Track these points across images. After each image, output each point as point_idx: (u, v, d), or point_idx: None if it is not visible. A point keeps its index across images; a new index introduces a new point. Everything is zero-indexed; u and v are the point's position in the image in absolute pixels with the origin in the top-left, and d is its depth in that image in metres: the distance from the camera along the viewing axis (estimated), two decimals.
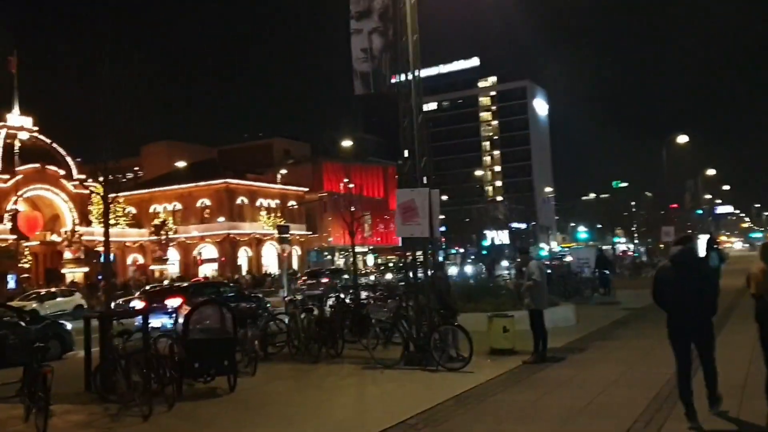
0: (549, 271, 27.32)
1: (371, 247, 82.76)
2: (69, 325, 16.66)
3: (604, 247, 52.43)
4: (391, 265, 64.61)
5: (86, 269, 52.85)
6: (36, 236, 55.10)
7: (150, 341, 10.42)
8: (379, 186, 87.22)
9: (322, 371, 12.45)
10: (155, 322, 19.11)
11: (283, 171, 71.01)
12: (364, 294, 17.37)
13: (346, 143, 54.58)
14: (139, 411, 8.88)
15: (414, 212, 12.65)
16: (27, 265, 58.73)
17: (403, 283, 14.51)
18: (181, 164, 60.81)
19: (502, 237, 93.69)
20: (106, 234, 16.05)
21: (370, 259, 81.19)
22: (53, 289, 37.18)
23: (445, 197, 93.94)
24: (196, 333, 10.32)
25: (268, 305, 21.98)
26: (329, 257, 75.05)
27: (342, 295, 17.26)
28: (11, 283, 49.57)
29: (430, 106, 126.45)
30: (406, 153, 12.74)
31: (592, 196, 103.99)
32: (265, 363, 13.46)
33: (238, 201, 64.95)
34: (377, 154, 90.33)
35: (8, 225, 49.88)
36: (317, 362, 13.14)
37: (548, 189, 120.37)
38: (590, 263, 27.35)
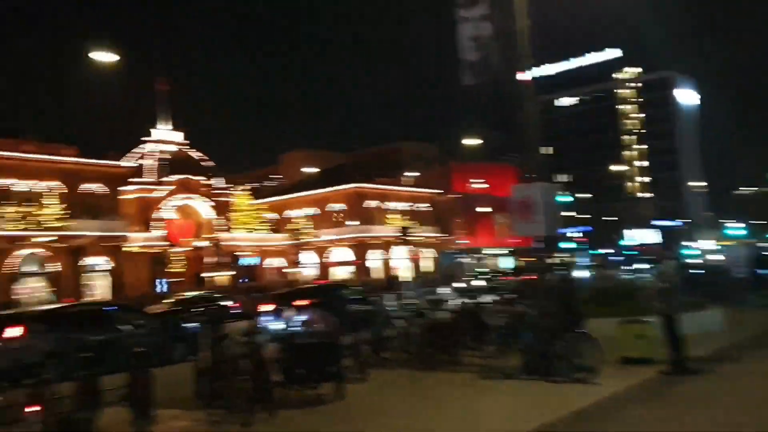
0: (698, 271, 24.98)
1: (511, 249, 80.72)
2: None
3: (761, 245, 47.61)
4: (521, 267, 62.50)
5: (228, 273, 55.37)
6: (185, 242, 58.45)
7: (258, 346, 10.23)
8: (512, 185, 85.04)
9: (436, 379, 11.81)
10: (278, 324, 19.51)
11: (412, 173, 70.88)
12: (488, 298, 16.51)
13: (473, 142, 53.43)
14: (242, 417, 8.68)
15: (530, 209, 11.76)
16: (179, 270, 63.07)
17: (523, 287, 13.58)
18: (309, 170, 62.25)
19: (647, 235, 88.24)
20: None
21: (509, 261, 79.19)
22: (196, 293, 38.80)
23: (586, 195, 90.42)
24: (301, 337, 10.03)
25: (392, 308, 21.53)
26: (464, 259, 74.00)
27: (465, 299, 16.48)
28: (163, 287, 52.92)
29: (569, 100, 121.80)
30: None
31: (746, 190, 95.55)
32: (379, 369, 13.03)
33: (369, 204, 65.63)
34: (510, 152, 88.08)
35: (161, 233, 53.17)
36: (432, 370, 12.50)
37: (697, 183, 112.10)
38: (740, 261, 24.59)
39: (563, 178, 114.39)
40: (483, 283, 36.88)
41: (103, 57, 19.86)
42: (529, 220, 11.67)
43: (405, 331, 13.85)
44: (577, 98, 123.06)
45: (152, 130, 57.23)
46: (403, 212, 67.98)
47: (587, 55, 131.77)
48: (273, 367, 9.73)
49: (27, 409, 7.14)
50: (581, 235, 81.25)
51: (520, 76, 11.98)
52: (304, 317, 10.10)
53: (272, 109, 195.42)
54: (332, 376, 9.83)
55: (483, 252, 75.62)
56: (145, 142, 56.83)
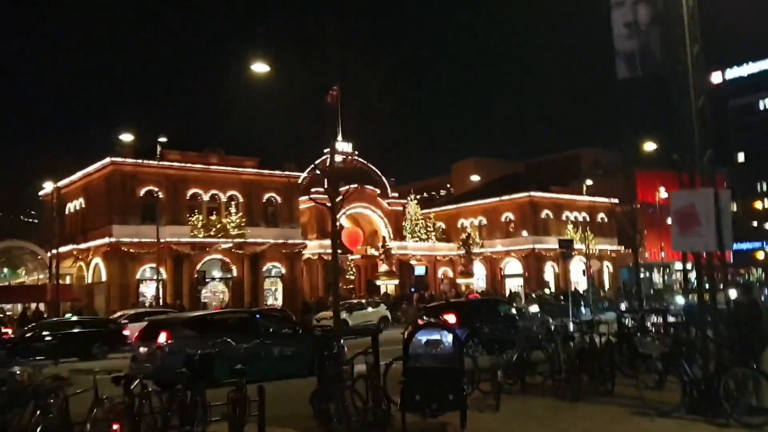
0: None
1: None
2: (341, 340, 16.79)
3: None
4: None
5: (397, 281, 55.83)
6: (358, 250, 59.91)
7: (378, 366, 9.63)
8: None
9: (580, 412, 10.46)
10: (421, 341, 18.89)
11: (589, 182, 67.21)
12: (652, 320, 14.66)
13: (653, 147, 49.19)
14: None
15: (695, 220, 10.02)
16: (352, 277, 64.89)
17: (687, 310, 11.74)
18: (477, 179, 61.03)
19: None
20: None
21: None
22: (363, 300, 39.41)
23: None
24: (418, 360, 9.24)
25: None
26: (646, 274, 68.81)
27: (626, 320, 14.75)
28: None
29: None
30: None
31: None
32: (520, 396, 11.93)
33: (543, 215, 63.14)
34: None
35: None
36: (579, 400, 11.12)
37: None
38: None
39: (763, 186, 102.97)
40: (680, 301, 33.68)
41: (262, 68, 20.47)
42: (692, 232, 9.95)
43: (553, 354, 12.56)
44: None
45: (326, 142, 59.32)
46: (579, 223, 64.64)
47: None
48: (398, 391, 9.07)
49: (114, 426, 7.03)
50: None
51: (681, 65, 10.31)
52: (436, 336, 9.27)
53: (447, 119, 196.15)
54: (451, 405, 8.92)
55: (669, 267, 69.86)
56: (320, 153, 59.13)
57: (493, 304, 21.71)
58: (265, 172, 46.25)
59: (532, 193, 62.38)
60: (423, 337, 9.60)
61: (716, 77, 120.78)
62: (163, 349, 14.24)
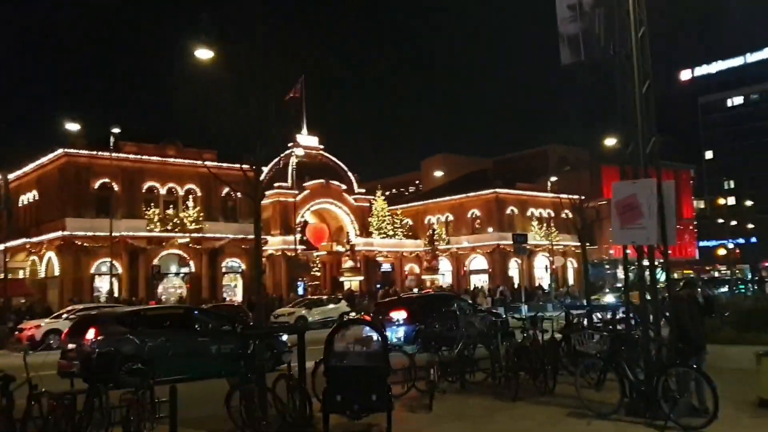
0: None
1: (659, 261, 74.49)
2: (284, 336, 16.18)
3: None
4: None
5: (362, 277, 55.26)
6: (323, 247, 59.24)
7: (304, 365, 9.00)
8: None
9: (517, 412, 9.95)
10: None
11: (554, 178, 67.37)
12: (598, 316, 14.26)
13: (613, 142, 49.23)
14: None
15: (636, 212, 9.55)
16: (317, 273, 64.19)
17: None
18: (440, 174, 60.81)
19: None
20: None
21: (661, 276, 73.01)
22: (324, 297, 38.87)
23: (749, 203, 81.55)
24: (344, 359, 8.63)
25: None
26: (611, 271, 69.13)
27: (573, 317, 14.31)
28: (300, 290, 53.86)
29: (737, 100, 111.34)
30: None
31: None
32: (458, 395, 11.40)
33: (508, 211, 63.07)
34: (668, 156, 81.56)
35: (298, 236, 53.94)
36: (517, 400, 10.62)
37: None
38: None
39: (730, 183, 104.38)
40: (611, 299, 33.63)
41: (205, 54, 19.64)
42: (632, 224, 9.48)
43: (494, 352, 12.08)
44: (743, 98, 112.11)
45: (289, 136, 58.37)
46: (544, 219, 64.70)
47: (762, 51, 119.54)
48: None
49: None
50: (733, 247, 73.37)
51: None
52: (345, 336, 8.65)
53: (418, 115, 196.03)
54: (375, 406, 8.33)
55: (634, 264, 70.21)
56: (283, 147, 58.14)
57: (447, 300, 21.17)
58: (225, 165, 45.15)
59: (498, 190, 62.32)
60: (350, 334, 9.00)
61: (686, 74, 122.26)
62: (91, 346, 13.46)
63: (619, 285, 62.21)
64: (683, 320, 9.33)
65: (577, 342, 10.01)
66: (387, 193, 74.19)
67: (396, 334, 17.59)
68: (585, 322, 13.99)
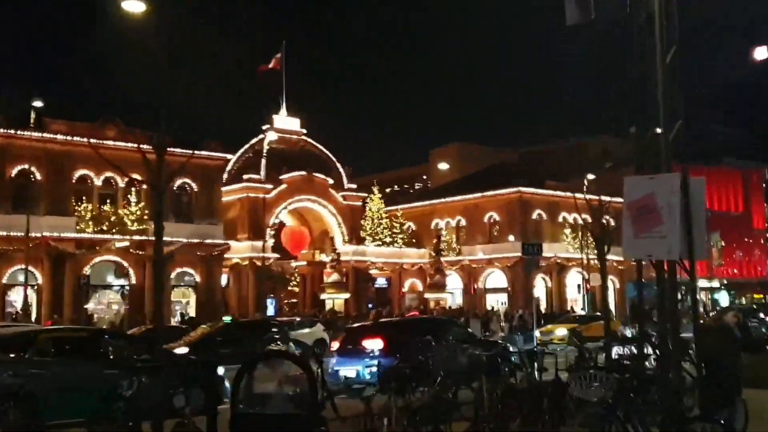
0: None
1: (724, 281, 74.06)
2: (221, 370, 15.75)
3: None
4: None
5: (347, 294, 54.84)
6: (303, 255, 59.03)
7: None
8: (736, 197, 77.86)
9: None
10: (348, 370, 17.97)
11: (591, 176, 66.90)
12: (615, 350, 13.82)
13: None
14: None
15: (654, 216, 9.06)
16: (296, 289, 63.94)
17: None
18: (443, 166, 60.57)
19: None
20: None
21: (724, 298, 72.65)
22: (296, 319, 38.66)
23: None
24: (263, 403, 8.19)
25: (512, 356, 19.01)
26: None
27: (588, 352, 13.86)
28: (270, 309, 53.56)
29: None
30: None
31: None
32: None
33: (534, 215, 62.53)
34: (736, 153, 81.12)
35: (270, 242, 53.63)
36: None
37: None
38: None
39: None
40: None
41: (137, 7, 19.19)
42: (648, 232, 8.99)
43: (478, 395, 11.63)
44: None
45: (264, 117, 58.24)
46: (579, 227, 64.19)
47: None
48: None
49: None
50: None
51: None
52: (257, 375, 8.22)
53: (427, 97, 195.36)
54: None
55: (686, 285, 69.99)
56: (255, 130, 57.91)
57: (440, 326, 20.76)
58: (178, 151, 44.86)
59: (523, 189, 61.85)
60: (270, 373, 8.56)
61: (761, 53, 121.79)
62: None
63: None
64: (711, 357, 8.87)
65: (579, 385, 9.54)
66: (386, 190, 73.95)
67: (368, 369, 17.24)
68: (601, 358, 13.54)
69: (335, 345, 20.00)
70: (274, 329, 27.56)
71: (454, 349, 13.81)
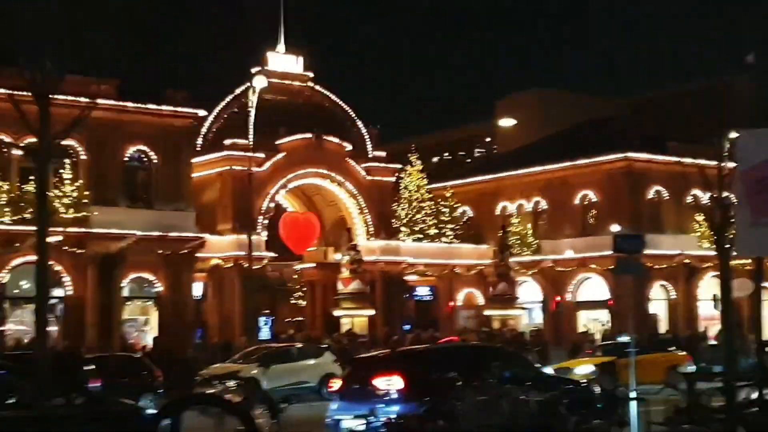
0: None
1: None
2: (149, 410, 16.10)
3: None
4: None
5: (371, 312, 54.61)
6: (310, 254, 59.21)
7: None
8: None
9: None
10: (351, 420, 18.06)
11: (735, 134, 66.20)
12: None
13: None
14: None
15: None
16: (301, 302, 64.24)
17: None
18: (512, 123, 59.96)
19: None
20: None
21: None
22: (295, 347, 39.49)
23: None
24: None
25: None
26: None
27: None
28: (265, 330, 53.83)
29: None
30: None
31: None
32: None
33: (651, 193, 62.06)
34: None
35: (264, 235, 53.75)
36: None
37: None
38: None
39: None
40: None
41: None
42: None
43: None
44: None
45: (254, 58, 58.33)
46: (713, 210, 63.53)
47: None
48: None
49: None
50: None
51: None
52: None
53: (476, 24, 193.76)
54: None
55: None
56: (242, 78, 57.87)
57: (487, 357, 20.89)
58: (132, 105, 45.52)
59: (632, 155, 61.43)
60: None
61: None
62: None
63: None
64: None
65: None
66: (430, 159, 73.90)
67: (383, 415, 17.35)
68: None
69: (335, 384, 20.14)
70: None
71: (493, 392, 13.87)
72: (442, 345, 34.64)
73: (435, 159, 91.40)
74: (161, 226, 45.34)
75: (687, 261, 60.74)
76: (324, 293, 59.37)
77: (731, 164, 19.87)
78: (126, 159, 45.84)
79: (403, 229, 61.36)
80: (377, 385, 18.24)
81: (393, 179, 61.44)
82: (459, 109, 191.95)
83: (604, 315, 61.62)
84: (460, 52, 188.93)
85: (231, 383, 32.61)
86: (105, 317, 44.43)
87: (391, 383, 18.12)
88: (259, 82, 47.31)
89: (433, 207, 63.56)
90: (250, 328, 50.35)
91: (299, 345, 40.25)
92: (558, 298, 63.13)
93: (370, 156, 59.33)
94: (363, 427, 17.25)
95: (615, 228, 60.87)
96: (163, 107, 45.24)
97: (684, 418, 12.24)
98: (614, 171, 61.84)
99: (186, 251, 47.45)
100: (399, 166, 62.07)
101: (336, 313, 55.10)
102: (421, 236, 61.92)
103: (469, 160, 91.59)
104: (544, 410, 13.19)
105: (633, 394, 16.44)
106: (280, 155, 54.74)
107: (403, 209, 62.20)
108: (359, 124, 60.17)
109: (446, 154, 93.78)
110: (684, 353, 39.24)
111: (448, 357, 21.21)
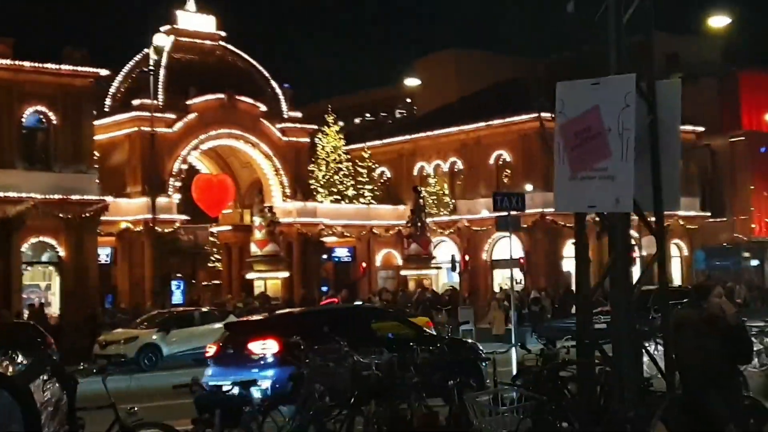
0: None
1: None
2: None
3: None
4: None
5: (285, 273, 54.47)
6: (225, 217, 58.81)
7: None
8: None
9: None
10: (227, 386, 17.58)
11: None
12: None
13: None
14: None
15: (599, 144, 8.43)
16: (218, 265, 63.66)
17: None
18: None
19: None
20: None
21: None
22: (197, 310, 39.16)
23: None
24: None
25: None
26: (751, 260, 68.92)
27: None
28: (178, 294, 53.31)
29: None
30: None
31: None
32: None
33: None
34: None
35: (176, 198, 53.19)
36: None
37: None
38: None
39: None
40: None
41: None
42: (589, 170, 8.41)
43: None
44: None
45: (162, 16, 57.42)
46: None
47: None
48: None
49: None
50: None
51: None
52: None
53: None
54: None
55: None
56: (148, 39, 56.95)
57: (365, 317, 20.82)
58: (29, 65, 44.56)
59: (546, 114, 61.33)
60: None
61: None
62: None
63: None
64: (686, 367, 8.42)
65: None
66: (347, 120, 73.50)
67: (259, 382, 16.95)
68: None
69: (211, 350, 19.60)
70: None
71: (332, 356, 13.59)
72: (320, 307, 34.91)
73: (357, 120, 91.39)
74: (62, 189, 44.64)
75: (597, 218, 60.85)
76: (241, 256, 58.92)
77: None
78: (23, 120, 44.93)
79: (320, 190, 61.32)
80: (252, 349, 18.09)
81: (308, 140, 61.10)
82: (376, 69, 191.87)
83: (517, 273, 61.78)
84: (382, 12, 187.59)
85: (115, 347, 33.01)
86: (3, 283, 43.73)
87: (266, 347, 17.97)
88: (161, 39, 46.65)
89: (350, 168, 63.43)
90: (162, 293, 49.82)
91: (204, 309, 39.99)
92: (467, 257, 63.20)
93: (285, 117, 58.95)
94: (236, 391, 17.10)
95: (528, 188, 61.14)
96: (62, 66, 44.26)
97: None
98: (527, 131, 61.92)
99: (88, 214, 46.68)
100: (315, 127, 61.75)
101: (249, 275, 54.93)
102: (339, 197, 61.94)
103: (390, 122, 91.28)
104: (388, 375, 12.95)
105: None
106: (191, 116, 54.24)
107: (319, 171, 61.89)
108: (273, 84, 59.71)
109: (368, 115, 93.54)
110: None
111: (324, 319, 20.92)
